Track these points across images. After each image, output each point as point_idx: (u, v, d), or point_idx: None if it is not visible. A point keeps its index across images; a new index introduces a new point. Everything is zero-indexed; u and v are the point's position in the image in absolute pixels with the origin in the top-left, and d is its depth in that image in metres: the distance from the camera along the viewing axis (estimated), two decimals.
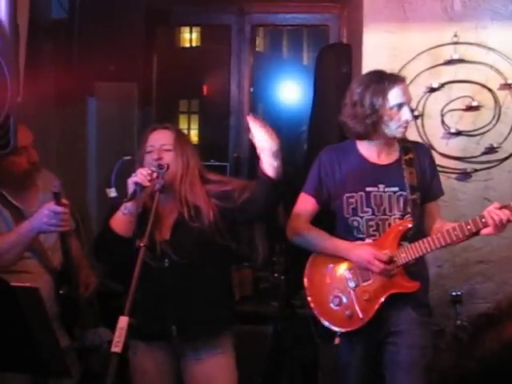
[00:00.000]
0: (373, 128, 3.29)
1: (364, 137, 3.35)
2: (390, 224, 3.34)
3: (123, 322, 2.43)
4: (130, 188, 3.01)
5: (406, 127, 3.33)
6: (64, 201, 3.03)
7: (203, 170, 3.37)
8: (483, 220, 3.15)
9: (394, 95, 3.27)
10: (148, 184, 3.02)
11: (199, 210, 3.23)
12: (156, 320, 3.20)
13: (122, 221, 3.11)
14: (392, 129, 3.30)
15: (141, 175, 3.01)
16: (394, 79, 3.32)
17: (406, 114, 3.29)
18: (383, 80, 3.29)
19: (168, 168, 3.09)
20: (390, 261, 3.27)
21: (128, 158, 3.19)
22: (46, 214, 3.00)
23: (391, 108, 3.26)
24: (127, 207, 3.06)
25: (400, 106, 3.28)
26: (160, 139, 3.28)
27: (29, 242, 3.16)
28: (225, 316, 3.36)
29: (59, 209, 2.99)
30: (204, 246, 3.24)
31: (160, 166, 3.08)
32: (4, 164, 3.20)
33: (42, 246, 3.37)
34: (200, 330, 3.24)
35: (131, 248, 2.92)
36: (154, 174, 3.05)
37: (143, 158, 3.26)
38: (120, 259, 3.06)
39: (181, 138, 3.34)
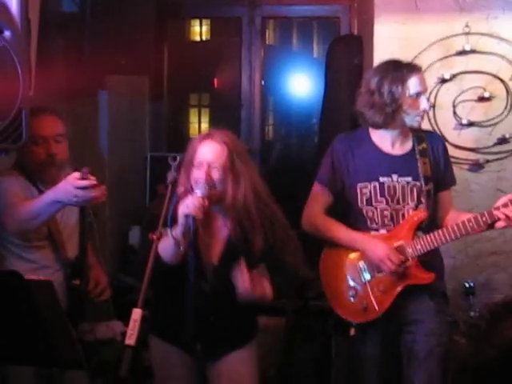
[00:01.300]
0: (392, 117, 3.27)
1: (381, 126, 3.33)
2: (403, 214, 3.33)
3: (137, 314, 2.42)
4: (181, 219, 2.87)
5: (423, 117, 3.33)
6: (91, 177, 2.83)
7: (265, 196, 3.14)
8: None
9: (414, 83, 3.25)
10: (202, 216, 2.88)
11: (249, 239, 3.08)
12: (181, 336, 3.12)
13: (174, 253, 2.95)
14: (411, 118, 3.29)
15: (194, 207, 2.85)
16: (411, 68, 3.31)
17: (424, 103, 3.28)
18: (401, 68, 3.28)
19: (176, 160, 2.94)
20: (402, 263, 3.26)
21: (182, 191, 2.99)
22: (71, 191, 2.83)
23: (411, 96, 3.25)
24: (182, 243, 2.90)
25: (418, 94, 3.27)
26: (210, 155, 3.01)
27: (53, 212, 3.02)
28: (251, 330, 3.32)
29: (85, 183, 2.81)
30: None
31: (173, 160, 2.93)
32: (23, 152, 3.18)
33: (61, 235, 3.32)
34: (225, 347, 3.21)
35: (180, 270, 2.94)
36: (206, 201, 2.90)
37: (189, 171, 3.03)
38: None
39: (234, 155, 3.02)
